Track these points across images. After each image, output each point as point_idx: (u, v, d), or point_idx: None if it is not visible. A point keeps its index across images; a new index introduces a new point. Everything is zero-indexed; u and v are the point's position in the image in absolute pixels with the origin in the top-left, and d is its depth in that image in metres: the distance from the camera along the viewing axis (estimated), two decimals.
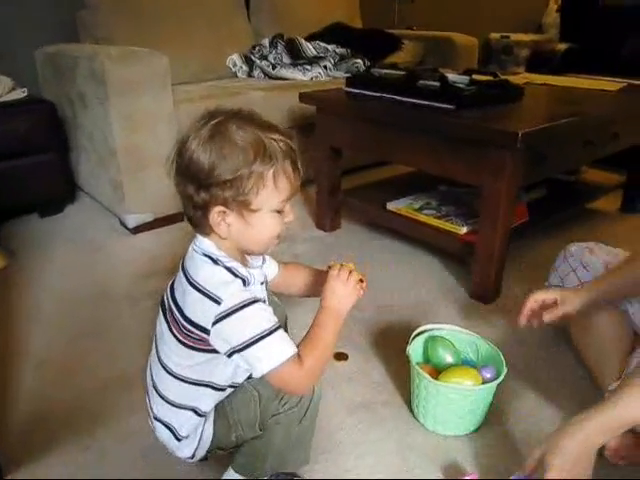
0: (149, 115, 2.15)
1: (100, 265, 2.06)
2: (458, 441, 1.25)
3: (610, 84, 2.41)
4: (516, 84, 2.03)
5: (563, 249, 1.52)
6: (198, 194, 0.87)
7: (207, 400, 0.99)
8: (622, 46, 3.44)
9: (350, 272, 0.99)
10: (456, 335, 1.40)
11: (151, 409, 1.03)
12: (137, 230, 2.30)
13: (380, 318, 1.70)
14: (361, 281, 1.00)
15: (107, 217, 2.44)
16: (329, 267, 1.02)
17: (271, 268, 1.13)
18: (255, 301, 0.89)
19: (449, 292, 1.87)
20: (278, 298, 1.14)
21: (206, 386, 0.98)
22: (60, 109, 2.48)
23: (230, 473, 1.08)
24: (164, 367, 0.99)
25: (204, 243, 0.93)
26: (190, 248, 0.95)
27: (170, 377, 0.98)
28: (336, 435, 1.25)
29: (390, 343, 1.56)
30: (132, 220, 2.27)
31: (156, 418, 1.02)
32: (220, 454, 1.06)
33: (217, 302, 0.87)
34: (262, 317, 0.88)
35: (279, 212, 0.91)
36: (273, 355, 0.87)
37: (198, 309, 0.90)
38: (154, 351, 1.03)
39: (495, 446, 1.24)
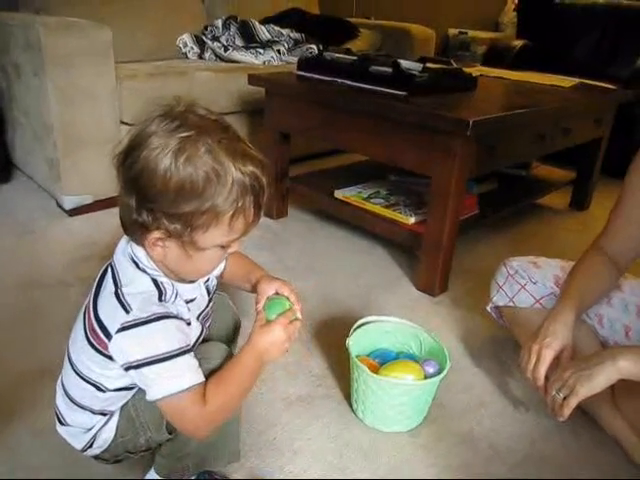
0: (89, 91, 2.04)
1: (31, 248, 1.94)
2: (398, 438, 1.20)
3: (563, 80, 2.42)
4: (469, 74, 2.00)
5: (503, 263, 1.43)
6: (140, 213, 0.76)
7: (97, 400, 0.90)
8: (575, 46, 3.47)
9: (292, 319, 0.90)
10: (400, 328, 1.35)
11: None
12: (74, 212, 2.18)
13: (324, 309, 1.64)
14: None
15: (43, 198, 2.31)
16: (267, 298, 0.93)
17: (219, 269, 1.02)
18: (166, 316, 0.80)
19: (395, 283, 1.82)
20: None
21: (96, 387, 0.88)
22: None
23: (151, 474, 1.00)
24: (69, 357, 0.91)
25: (136, 248, 0.83)
26: (124, 241, 0.86)
27: (71, 369, 0.90)
28: (270, 431, 1.18)
29: (332, 335, 1.50)
30: (69, 202, 2.15)
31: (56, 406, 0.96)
32: (136, 457, 0.98)
33: (126, 310, 0.79)
34: (169, 336, 0.79)
35: (224, 247, 0.81)
36: (169, 381, 0.79)
37: (108, 311, 0.82)
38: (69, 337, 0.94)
39: (436, 443, 1.19)
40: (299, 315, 0.93)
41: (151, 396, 0.80)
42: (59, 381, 0.95)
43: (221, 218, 0.75)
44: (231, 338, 1.12)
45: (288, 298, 0.94)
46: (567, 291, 1.23)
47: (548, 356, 1.13)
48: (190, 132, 0.73)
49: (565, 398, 1.03)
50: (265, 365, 0.88)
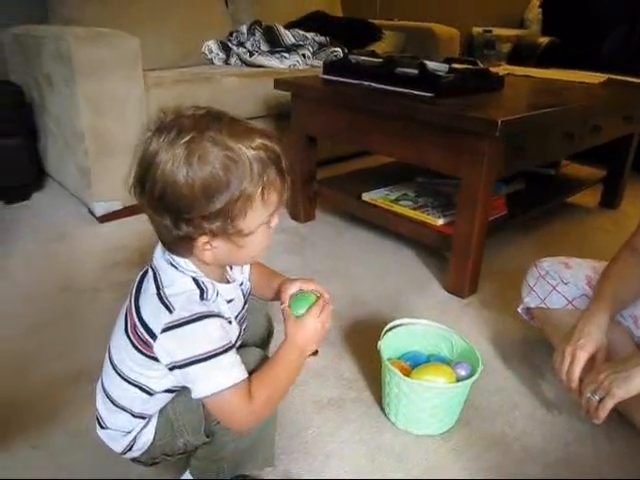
0: (118, 99, 2.07)
1: (63, 254, 1.97)
2: (431, 441, 1.19)
3: (591, 77, 2.38)
4: (496, 73, 1.99)
5: (534, 264, 1.42)
6: (178, 227, 0.77)
7: (139, 402, 0.91)
8: (603, 41, 3.41)
9: (323, 308, 0.92)
10: (430, 330, 1.34)
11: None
12: (105, 219, 2.21)
13: (353, 311, 1.64)
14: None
15: (75, 205, 2.36)
16: (291, 296, 0.95)
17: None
18: (209, 315, 0.81)
19: (424, 285, 1.81)
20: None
21: (140, 388, 0.90)
22: (27, 92, 2.39)
23: (187, 475, 1.01)
24: (110, 358, 0.92)
25: (172, 255, 0.84)
26: (161, 246, 0.87)
27: (112, 371, 0.91)
28: (302, 434, 1.19)
29: (363, 338, 1.51)
30: (100, 208, 2.19)
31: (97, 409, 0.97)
32: (173, 460, 0.99)
33: (169, 310, 0.80)
34: (213, 334, 0.81)
35: (267, 222, 0.83)
36: (216, 378, 0.80)
37: (152, 312, 0.83)
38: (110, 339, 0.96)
39: (469, 446, 1.18)
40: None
41: (197, 394, 0.82)
42: (99, 384, 0.97)
43: (253, 198, 0.77)
44: (265, 343, 1.13)
45: (312, 292, 0.95)
46: (600, 292, 1.21)
47: (582, 357, 1.12)
48: (190, 134, 0.75)
49: (601, 400, 1.02)
50: (306, 357, 0.91)
